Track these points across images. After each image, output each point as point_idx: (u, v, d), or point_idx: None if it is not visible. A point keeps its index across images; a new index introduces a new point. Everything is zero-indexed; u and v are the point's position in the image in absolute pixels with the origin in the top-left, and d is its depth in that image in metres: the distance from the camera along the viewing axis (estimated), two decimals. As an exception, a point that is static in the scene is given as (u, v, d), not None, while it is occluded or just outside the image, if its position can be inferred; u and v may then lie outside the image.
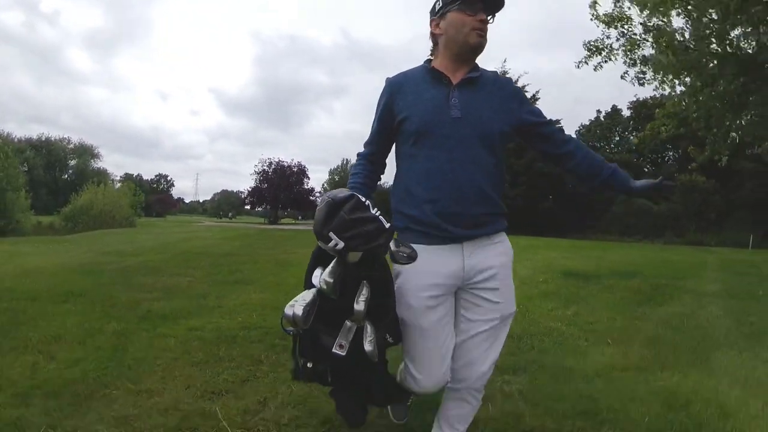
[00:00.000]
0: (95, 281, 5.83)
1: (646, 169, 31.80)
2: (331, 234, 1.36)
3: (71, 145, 68.65)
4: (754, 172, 25.10)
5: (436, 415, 1.95)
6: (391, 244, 1.49)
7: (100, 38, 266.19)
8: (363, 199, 1.45)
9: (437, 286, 1.70)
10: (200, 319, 4.14)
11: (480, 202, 1.70)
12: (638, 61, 8.28)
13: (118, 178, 65.83)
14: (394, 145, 1.91)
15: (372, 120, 1.92)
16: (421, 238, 1.70)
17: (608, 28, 8.22)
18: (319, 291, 1.42)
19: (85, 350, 3.18)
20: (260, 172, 43.83)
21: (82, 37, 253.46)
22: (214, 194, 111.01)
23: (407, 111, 1.73)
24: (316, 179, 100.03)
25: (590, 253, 13.43)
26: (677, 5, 7.88)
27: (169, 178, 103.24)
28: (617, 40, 8.34)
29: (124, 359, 3.05)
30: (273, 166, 44.06)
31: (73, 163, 68.33)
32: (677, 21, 8.33)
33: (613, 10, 8.73)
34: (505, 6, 1.73)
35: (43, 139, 65.51)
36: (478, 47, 1.71)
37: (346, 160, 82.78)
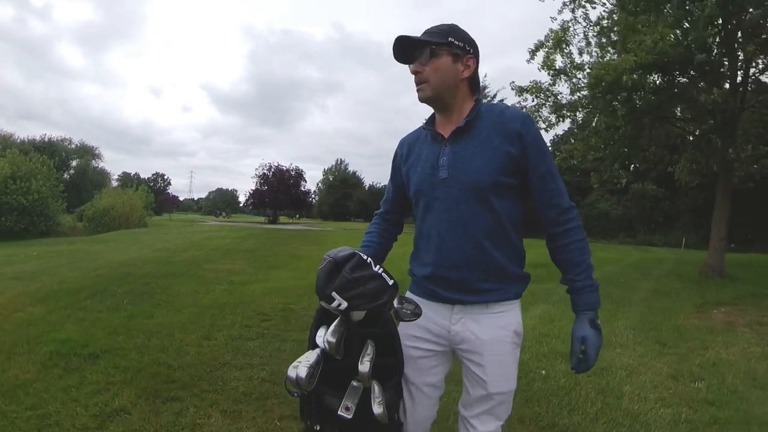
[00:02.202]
0: (178, 268, 8.93)
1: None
2: (334, 294, 1.35)
3: (72, 146, 70.42)
4: (696, 182, 28.38)
5: None
6: (395, 301, 1.45)
7: (92, 33, 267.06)
8: (365, 257, 1.43)
9: (425, 340, 1.66)
10: (263, 284, 7.53)
11: (471, 266, 1.58)
12: (539, 119, 11.52)
13: (116, 177, 68.21)
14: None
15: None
16: (418, 291, 1.70)
17: (521, 95, 11.52)
18: (323, 351, 1.40)
19: (217, 294, 6.54)
20: (261, 175, 47.23)
21: (74, 32, 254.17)
22: (209, 192, 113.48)
23: (407, 173, 1.73)
24: (310, 178, 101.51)
25: (532, 249, 16.72)
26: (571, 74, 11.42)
27: (165, 177, 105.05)
28: (532, 101, 11.47)
29: (239, 296, 6.41)
30: (272, 170, 47.40)
31: (74, 163, 70.00)
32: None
33: (545, 68, 11.93)
34: (424, 47, 1.56)
35: (46, 140, 67.50)
36: (424, 100, 1.62)
37: (340, 159, 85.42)
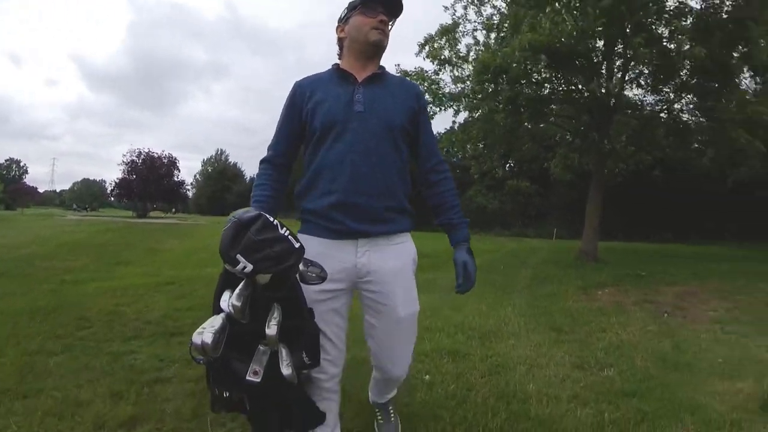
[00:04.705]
0: (4, 267, 7.48)
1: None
2: (239, 256, 1.33)
3: None
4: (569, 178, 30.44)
5: (370, 382, 2.16)
6: (300, 264, 1.47)
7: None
8: (271, 219, 1.42)
9: (330, 281, 1.65)
10: (101, 283, 6.38)
11: (382, 194, 1.72)
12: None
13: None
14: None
15: (276, 124, 1.91)
16: (315, 229, 1.74)
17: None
18: (228, 315, 1.39)
19: (36, 295, 5.34)
20: (128, 162, 42.49)
21: None
22: (74, 183, 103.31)
23: (314, 108, 1.75)
24: (190, 168, 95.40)
25: (415, 241, 16.75)
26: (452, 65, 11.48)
27: (22, 164, 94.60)
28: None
29: (63, 298, 5.25)
30: (142, 157, 43.02)
31: None
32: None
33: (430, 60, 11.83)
34: (404, 11, 1.85)
35: None
36: (379, 44, 1.78)
37: (221, 149, 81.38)
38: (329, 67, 1.89)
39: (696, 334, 4.73)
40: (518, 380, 3.22)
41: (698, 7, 9.99)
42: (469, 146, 12.34)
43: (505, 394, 2.96)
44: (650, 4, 9.33)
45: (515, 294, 6.91)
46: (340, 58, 1.89)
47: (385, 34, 1.80)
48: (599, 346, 4.16)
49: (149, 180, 41.59)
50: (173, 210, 56.23)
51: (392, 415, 2.30)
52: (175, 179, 44.93)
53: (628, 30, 9.84)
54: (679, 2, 9.95)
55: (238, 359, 1.44)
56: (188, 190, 53.54)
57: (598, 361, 3.71)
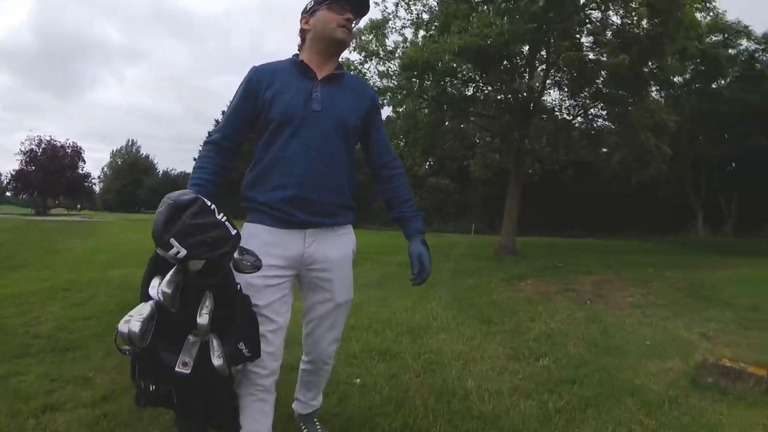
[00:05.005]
0: None
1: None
2: (173, 240, 1.29)
3: None
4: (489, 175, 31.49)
5: (296, 386, 2.18)
6: (235, 252, 1.45)
7: None
8: (208, 203, 1.39)
9: (277, 267, 1.73)
10: None
11: (332, 191, 1.79)
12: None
13: None
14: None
15: (225, 108, 1.94)
16: (265, 219, 1.77)
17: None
18: (158, 303, 1.33)
19: None
20: (27, 151, 38.28)
21: None
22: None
23: (272, 98, 1.76)
24: (97, 160, 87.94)
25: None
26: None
27: None
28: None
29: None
30: (43, 146, 39.08)
31: None
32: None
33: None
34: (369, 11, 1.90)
35: None
36: (343, 42, 1.84)
37: (132, 140, 76.26)
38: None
39: (620, 318, 4.99)
40: (455, 377, 3.13)
41: (619, 21, 10.71)
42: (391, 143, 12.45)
43: (444, 393, 2.84)
44: (576, 14, 9.84)
45: (439, 287, 6.90)
46: (299, 50, 1.91)
47: (350, 33, 1.85)
48: (531, 335, 4.21)
49: (50, 171, 37.94)
50: (78, 206, 52.22)
51: (318, 427, 2.26)
52: (80, 171, 41.53)
53: (552, 40, 10.32)
54: (602, 16, 10.63)
55: (167, 350, 1.39)
56: (95, 184, 50.05)
57: (533, 351, 3.72)
